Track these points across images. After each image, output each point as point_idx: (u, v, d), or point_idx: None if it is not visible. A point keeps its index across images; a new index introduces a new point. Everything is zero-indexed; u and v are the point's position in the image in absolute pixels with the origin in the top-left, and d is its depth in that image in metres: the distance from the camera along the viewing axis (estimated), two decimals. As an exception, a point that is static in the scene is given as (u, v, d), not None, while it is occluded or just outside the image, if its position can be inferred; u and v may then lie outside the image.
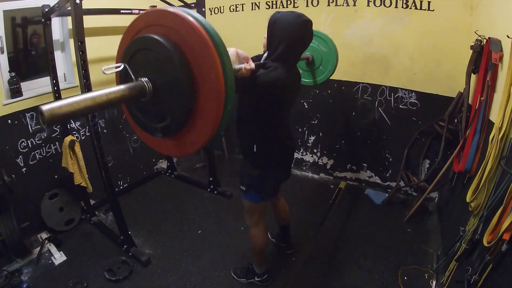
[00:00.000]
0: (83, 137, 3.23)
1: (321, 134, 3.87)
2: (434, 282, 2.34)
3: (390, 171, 3.56)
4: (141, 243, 2.87)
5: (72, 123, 3.13)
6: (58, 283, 2.45)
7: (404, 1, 2.92)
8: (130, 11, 2.97)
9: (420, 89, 3.12)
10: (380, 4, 3.04)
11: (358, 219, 3.17)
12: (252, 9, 3.73)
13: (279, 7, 3.53)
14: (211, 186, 3.66)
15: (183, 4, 3.12)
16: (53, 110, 0.90)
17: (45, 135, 2.93)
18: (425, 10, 2.87)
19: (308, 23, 1.74)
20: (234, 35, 3.95)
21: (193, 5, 3.06)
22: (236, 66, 1.50)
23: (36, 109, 2.81)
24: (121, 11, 2.93)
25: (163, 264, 2.64)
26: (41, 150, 2.92)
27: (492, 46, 2.01)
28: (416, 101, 3.17)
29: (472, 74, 2.47)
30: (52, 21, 2.70)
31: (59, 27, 3.01)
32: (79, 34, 2.18)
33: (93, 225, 3.11)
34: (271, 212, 2.60)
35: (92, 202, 3.24)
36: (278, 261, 2.67)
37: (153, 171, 4.18)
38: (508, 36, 1.71)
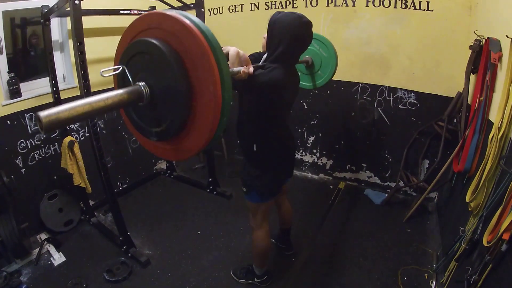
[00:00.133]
0: (82, 138, 3.22)
1: (320, 135, 3.87)
2: (434, 282, 2.34)
3: (390, 171, 3.56)
4: (140, 244, 2.87)
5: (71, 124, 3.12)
6: (58, 284, 2.44)
7: (403, 2, 2.93)
8: (129, 12, 2.97)
9: (419, 89, 3.12)
10: (379, 5, 3.04)
11: (357, 220, 3.17)
12: (251, 10, 3.73)
13: (278, 8, 3.53)
14: (211, 187, 3.65)
15: (182, 4, 3.12)
16: (51, 117, 0.90)
17: (44, 136, 2.92)
18: (424, 10, 2.87)
19: (308, 24, 1.74)
20: (233, 35, 3.96)
21: (192, 5, 3.06)
22: (235, 69, 1.51)
23: (35, 109, 2.83)
24: (120, 12, 2.93)
25: (162, 265, 2.64)
26: (40, 150, 2.92)
27: (491, 46, 2.01)
28: (415, 101, 3.18)
29: (471, 74, 2.47)
30: (51, 22, 2.70)
31: (58, 28, 3.01)
32: (78, 35, 2.17)
33: (93, 226, 3.10)
34: (272, 213, 2.59)
35: (91, 202, 3.24)
36: (277, 262, 2.66)
37: (152, 172, 4.17)
38: (507, 36, 1.71)
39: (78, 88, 2.38)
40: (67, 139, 2.75)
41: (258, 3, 3.66)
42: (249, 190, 2.04)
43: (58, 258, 2.69)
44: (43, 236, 2.89)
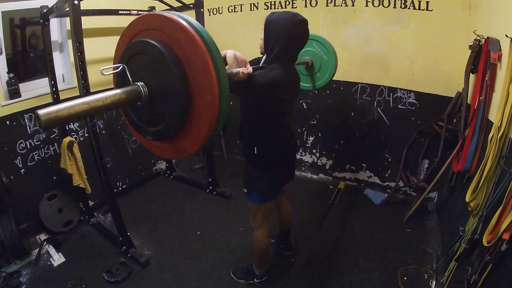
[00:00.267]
0: (82, 138, 3.22)
1: (320, 135, 3.87)
2: (433, 282, 2.33)
3: (389, 171, 3.56)
4: (140, 244, 2.87)
5: (70, 124, 3.12)
6: (57, 284, 2.44)
7: (403, 1, 2.93)
8: (128, 12, 2.97)
9: (418, 89, 3.12)
10: (379, 4, 3.04)
11: (357, 220, 3.16)
12: (250, 10, 3.73)
13: (277, 8, 3.53)
14: (210, 187, 3.65)
15: (181, 4, 3.12)
16: (50, 115, 0.92)
17: (44, 136, 2.92)
18: (423, 10, 2.87)
19: (303, 22, 1.74)
20: (233, 35, 3.96)
21: (191, 5, 3.06)
22: (234, 70, 1.51)
23: (35, 110, 2.82)
24: (120, 12, 2.93)
25: (162, 265, 2.63)
26: (39, 151, 2.92)
27: (490, 46, 2.01)
28: (415, 101, 3.18)
29: (470, 73, 2.47)
30: (50, 22, 2.69)
31: (58, 28, 3.00)
32: (77, 35, 2.17)
33: (92, 226, 3.10)
34: (272, 213, 2.59)
35: (91, 203, 3.24)
36: (277, 262, 2.66)
37: (152, 172, 4.17)
38: (506, 36, 1.71)
39: (77, 88, 2.37)
40: (67, 139, 2.75)
41: (257, 3, 3.66)
42: (250, 191, 2.04)
43: (57, 258, 2.69)
44: (43, 236, 2.88)
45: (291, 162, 2.20)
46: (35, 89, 2.91)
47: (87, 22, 2.57)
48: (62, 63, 3.10)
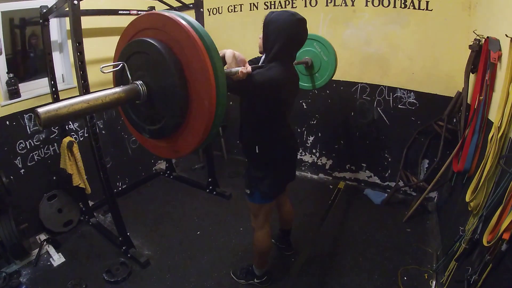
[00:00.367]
0: (82, 138, 3.22)
1: (320, 134, 3.87)
2: (434, 282, 2.33)
3: (389, 171, 3.56)
4: (140, 244, 2.87)
5: (70, 124, 3.12)
6: (57, 284, 2.44)
7: (403, 1, 2.93)
8: (128, 12, 2.97)
9: (418, 89, 3.12)
10: (378, 4, 3.04)
11: (357, 220, 3.16)
12: (250, 10, 3.73)
13: (277, 8, 3.53)
14: (210, 187, 3.65)
15: (181, 5, 3.12)
16: (49, 113, 0.93)
17: (44, 136, 2.92)
18: (423, 10, 2.87)
19: (302, 21, 1.75)
20: (233, 35, 3.96)
21: (191, 5, 3.05)
22: (233, 69, 1.51)
23: (34, 109, 2.81)
24: (119, 12, 2.93)
25: (162, 265, 2.63)
26: (39, 151, 2.92)
27: (490, 46, 2.01)
28: (414, 101, 3.17)
29: (470, 73, 2.47)
30: (50, 22, 2.69)
31: (57, 28, 3.00)
32: (77, 35, 2.17)
33: (92, 227, 3.10)
34: (273, 214, 2.60)
35: (90, 203, 3.24)
36: (277, 262, 2.66)
37: (152, 172, 4.17)
38: (506, 35, 1.71)
39: (77, 88, 2.37)
40: (66, 139, 2.75)
41: (257, 3, 3.65)
42: (252, 192, 2.04)
43: (57, 258, 2.69)
44: (43, 236, 2.88)
45: (292, 162, 2.20)
46: (34, 89, 2.91)
47: (86, 22, 2.57)
48: (62, 63, 3.10)
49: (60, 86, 2.91)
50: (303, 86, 2.59)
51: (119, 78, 1.27)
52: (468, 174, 2.21)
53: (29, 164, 2.84)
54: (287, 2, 3.48)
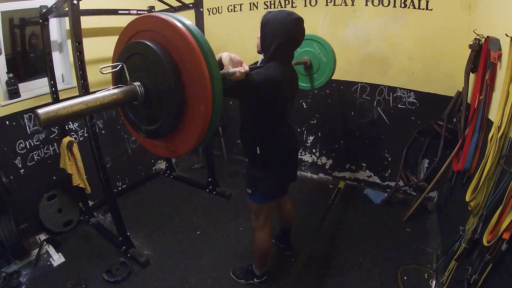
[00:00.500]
0: (81, 138, 3.22)
1: (320, 134, 3.87)
2: (434, 282, 2.33)
3: (389, 170, 3.56)
4: (139, 244, 2.86)
5: (70, 124, 3.12)
6: (57, 284, 2.44)
7: (403, 1, 2.93)
8: (128, 12, 2.97)
9: (418, 88, 3.12)
10: (378, 4, 3.04)
11: (357, 219, 3.16)
12: (250, 9, 3.73)
13: (277, 7, 3.53)
14: (210, 187, 3.65)
15: (181, 4, 3.11)
16: (49, 114, 0.95)
17: (43, 136, 2.92)
18: (423, 9, 2.87)
19: (299, 20, 1.75)
20: (233, 35, 3.95)
21: (191, 5, 3.05)
22: (231, 70, 1.52)
23: (34, 110, 2.81)
24: (119, 12, 2.93)
25: (161, 265, 2.63)
26: (39, 151, 2.91)
27: (490, 45, 2.01)
28: (414, 101, 3.17)
29: (470, 73, 2.47)
30: (49, 22, 2.69)
31: (57, 28, 3.00)
32: (76, 35, 2.17)
33: (92, 226, 3.10)
34: (273, 214, 2.59)
35: (90, 203, 3.24)
36: (277, 262, 2.66)
37: (152, 172, 4.17)
38: (506, 35, 1.71)
39: (77, 88, 2.37)
40: (66, 139, 2.74)
41: (257, 2, 3.65)
42: (254, 192, 2.04)
43: (57, 258, 2.69)
44: (43, 236, 2.88)
45: (293, 162, 2.20)
46: (34, 89, 2.91)
47: (86, 22, 2.57)
48: (62, 63, 3.10)
49: (60, 86, 2.91)
50: (302, 86, 2.59)
51: (118, 78, 1.27)
52: (468, 173, 2.21)
53: (29, 164, 2.84)
54: (287, 2, 3.47)
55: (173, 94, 1.09)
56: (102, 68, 1.17)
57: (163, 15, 1.14)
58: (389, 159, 3.52)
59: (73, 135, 3.15)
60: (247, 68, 1.56)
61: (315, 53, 2.48)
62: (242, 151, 2.09)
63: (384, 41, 3.14)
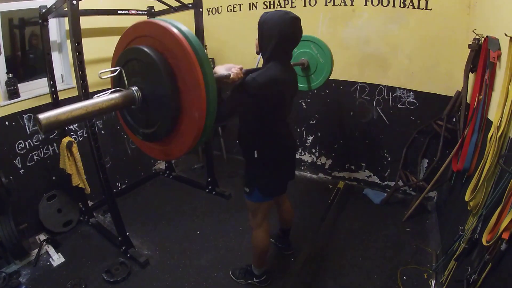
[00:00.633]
0: (81, 138, 3.22)
1: (319, 134, 3.87)
2: (433, 282, 2.33)
3: (389, 170, 3.56)
4: (139, 244, 2.86)
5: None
6: (57, 284, 2.44)
7: (402, 1, 2.93)
8: (127, 12, 2.97)
9: (418, 88, 3.12)
10: (378, 4, 3.04)
11: (356, 219, 3.16)
12: (249, 9, 3.73)
13: (276, 7, 3.53)
14: (210, 187, 3.65)
15: (180, 4, 3.11)
16: (50, 119, 0.96)
17: (43, 137, 2.91)
18: (422, 9, 2.87)
19: (295, 19, 1.76)
20: (232, 35, 3.96)
21: (190, 5, 3.05)
22: (224, 72, 1.56)
23: (34, 110, 2.81)
24: (118, 12, 2.93)
25: (161, 265, 2.63)
26: (38, 151, 2.91)
27: (490, 45, 2.01)
28: (414, 100, 3.17)
29: (470, 73, 2.47)
30: (49, 22, 2.69)
31: (56, 28, 3.00)
32: (76, 35, 2.17)
33: (91, 227, 3.10)
34: (271, 213, 2.59)
35: (90, 203, 3.23)
36: (277, 262, 2.66)
37: (151, 172, 4.17)
38: (506, 35, 1.70)
39: (76, 88, 2.37)
40: (66, 139, 2.74)
41: (256, 2, 3.65)
42: (251, 190, 2.04)
43: (57, 258, 2.69)
44: (42, 236, 2.88)
45: (291, 161, 2.20)
46: (34, 89, 2.91)
47: (85, 22, 2.57)
48: (61, 63, 3.10)
49: (59, 86, 2.92)
50: (300, 87, 2.59)
51: (116, 81, 1.29)
52: (468, 173, 2.21)
53: (28, 164, 2.84)
54: (286, 2, 3.47)
55: (169, 100, 1.11)
56: (101, 73, 1.19)
57: (161, 21, 1.14)
58: (389, 159, 3.52)
59: (73, 135, 3.15)
60: (240, 66, 1.59)
61: (313, 54, 2.48)
62: (241, 153, 2.09)
63: (383, 41, 3.14)
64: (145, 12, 3.32)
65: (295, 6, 3.44)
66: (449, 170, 2.67)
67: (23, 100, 2.74)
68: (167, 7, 3.18)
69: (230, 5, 3.85)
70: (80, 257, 2.72)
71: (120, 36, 1.37)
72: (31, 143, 2.84)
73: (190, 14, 3.08)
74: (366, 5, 3.10)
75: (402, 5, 2.94)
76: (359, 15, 3.17)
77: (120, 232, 2.70)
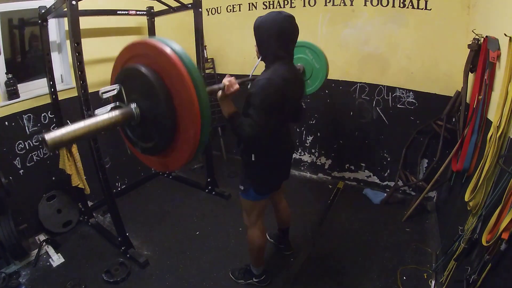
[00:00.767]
0: (81, 139, 3.21)
1: (319, 134, 3.87)
2: (433, 282, 2.33)
3: (388, 170, 3.56)
4: (139, 244, 2.86)
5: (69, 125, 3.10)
6: (56, 285, 2.44)
7: (401, 1, 2.93)
8: (126, 12, 2.96)
9: (417, 88, 3.12)
10: (377, 4, 3.04)
11: (356, 219, 3.16)
12: (249, 10, 3.73)
13: (276, 7, 3.53)
14: (209, 187, 3.65)
15: (180, 5, 3.11)
16: (55, 139, 1.04)
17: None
18: (422, 9, 2.87)
19: (290, 17, 1.76)
20: (232, 35, 3.96)
21: (189, 5, 3.05)
22: (215, 86, 1.60)
23: (33, 110, 2.81)
24: (118, 12, 2.92)
25: (161, 266, 2.63)
26: (38, 151, 2.91)
27: (489, 45, 2.01)
28: (413, 101, 3.17)
29: (469, 73, 2.47)
30: (48, 23, 2.69)
31: (56, 29, 3.00)
32: (75, 36, 2.17)
33: (91, 227, 3.10)
34: (271, 213, 2.59)
35: (90, 203, 3.24)
36: (277, 262, 2.66)
37: (151, 172, 4.16)
38: (505, 35, 1.70)
39: (75, 89, 2.37)
40: (65, 140, 2.74)
41: (256, 3, 3.65)
42: (246, 188, 2.04)
43: (56, 259, 2.69)
44: (42, 237, 2.88)
45: (288, 163, 2.21)
46: (33, 89, 2.91)
47: (85, 23, 2.56)
48: (61, 64, 3.09)
49: (59, 87, 2.91)
50: None
51: (116, 96, 1.33)
52: (467, 173, 2.21)
53: (28, 164, 2.84)
54: (285, 2, 3.48)
55: (165, 119, 1.17)
56: (102, 91, 1.25)
57: (155, 41, 1.18)
58: (388, 159, 3.52)
59: (72, 135, 3.14)
60: (228, 77, 1.61)
61: (308, 59, 2.49)
62: (240, 155, 2.08)
63: (383, 41, 3.14)
64: (145, 13, 3.32)
65: (294, 6, 3.44)
66: (449, 170, 2.67)
67: (22, 101, 2.74)
68: (167, 7, 3.17)
69: (230, 5, 3.85)
70: (80, 258, 2.72)
71: (117, 55, 1.41)
72: (31, 143, 2.84)
73: (189, 14, 3.08)
74: (365, 5, 3.10)
75: (401, 5, 2.94)
76: (358, 15, 3.17)
77: (119, 232, 2.70)
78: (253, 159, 1.93)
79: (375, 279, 2.45)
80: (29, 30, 2.87)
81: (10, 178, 2.66)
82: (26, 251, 2.63)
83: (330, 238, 2.92)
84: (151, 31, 3.49)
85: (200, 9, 3.03)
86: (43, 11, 2.58)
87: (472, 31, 2.35)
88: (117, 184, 3.73)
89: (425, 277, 2.41)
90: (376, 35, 3.15)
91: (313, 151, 3.97)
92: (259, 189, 2.03)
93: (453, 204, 2.57)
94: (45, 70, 2.77)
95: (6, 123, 2.66)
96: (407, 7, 2.92)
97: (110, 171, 2.80)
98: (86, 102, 2.34)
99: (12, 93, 2.67)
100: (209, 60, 4.17)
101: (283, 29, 1.73)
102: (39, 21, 2.63)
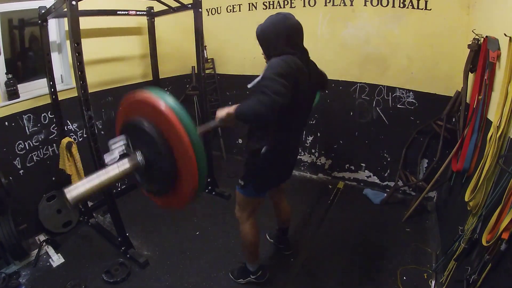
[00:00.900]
0: (81, 139, 3.21)
1: (319, 134, 3.87)
2: (433, 282, 2.33)
3: (389, 170, 3.56)
4: (139, 244, 2.86)
5: (69, 125, 3.11)
6: (56, 285, 2.43)
7: (401, 1, 2.93)
8: (126, 12, 2.96)
9: (417, 88, 3.12)
10: (377, 4, 3.04)
11: (356, 219, 3.16)
12: (249, 10, 3.73)
13: (276, 8, 3.53)
14: (209, 187, 3.65)
15: (180, 5, 3.11)
16: (77, 197, 1.20)
17: (42, 137, 2.91)
18: (422, 9, 2.87)
19: (289, 14, 1.76)
20: (232, 36, 3.96)
21: (189, 5, 3.05)
22: (211, 123, 1.63)
23: (33, 110, 2.81)
24: (118, 13, 2.92)
25: (161, 266, 2.63)
26: (38, 152, 2.91)
27: (489, 45, 2.01)
28: (414, 101, 3.17)
29: (469, 73, 2.47)
30: (48, 23, 2.69)
31: (56, 29, 3.00)
32: (75, 36, 2.17)
33: (91, 227, 3.10)
34: (270, 213, 2.59)
35: (90, 204, 3.24)
36: (276, 262, 2.66)
37: (151, 173, 4.16)
38: (505, 35, 1.71)
39: (76, 89, 2.37)
40: (65, 140, 2.74)
41: (256, 3, 3.66)
42: (246, 184, 2.04)
43: (56, 259, 2.69)
44: (42, 237, 2.88)
45: (292, 163, 2.20)
46: (33, 90, 2.91)
47: (85, 23, 2.56)
48: (61, 64, 3.09)
49: (59, 87, 2.91)
50: None
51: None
52: (467, 173, 2.21)
53: (28, 164, 2.84)
54: (285, 2, 3.48)
55: (166, 168, 1.29)
56: (111, 143, 1.37)
57: (155, 97, 1.25)
58: (388, 159, 3.52)
59: (72, 136, 3.15)
60: (225, 111, 1.60)
61: None
62: (243, 147, 2.08)
63: (383, 41, 3.15)
64: (145, 13, 3.32)
65: (294, 7, 3.44)
66: (449, 170, 2.67)
67: (22, 101, 2.73)
68: (167, 8, 3.17)
69: (230, 6, 3.85)
70: (80, 258, 2.72)
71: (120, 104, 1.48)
72: (31, 143, 2.84)
73: (189, 14, 3.08)
74: (365, 5, 3.11)
75: (401, 5, 2.95)
76: (358, 15, 3.17)
77: (119, 232, 2.70)
78: (263, 151, 1.87)
79: (375, 279, 2.45)
80: (29, 30, 2.87)
81: (10, 178, 2.66)
82: (26, 251, 2.63)
83: (330, 238, 2.92)
84: (151, 31, 3.49)
85: (200, 9, 3.03)
86: (43, 11, 2.58)
87: (472, 31, 2.35)
88: (117, 184, 3.73)
89: (425, 277, 2.41)
90: (376, 35, 3.16)
91: (313, 151, 3.97)
92: (259, 187, 2.03)
93: (453, 204, 2.57)
94: (45, 70, 2.77)
95: (6, 123, 2.66)
96: (407, 7, 2.92)
97: (110, 171, 2.79)
98: (86, 102, 2.34)
99: (12, 93, 2.66)
100: (209, 60, 4.17)
101: (286, 25, 1.73)
102: (39, 21, 2.63)
